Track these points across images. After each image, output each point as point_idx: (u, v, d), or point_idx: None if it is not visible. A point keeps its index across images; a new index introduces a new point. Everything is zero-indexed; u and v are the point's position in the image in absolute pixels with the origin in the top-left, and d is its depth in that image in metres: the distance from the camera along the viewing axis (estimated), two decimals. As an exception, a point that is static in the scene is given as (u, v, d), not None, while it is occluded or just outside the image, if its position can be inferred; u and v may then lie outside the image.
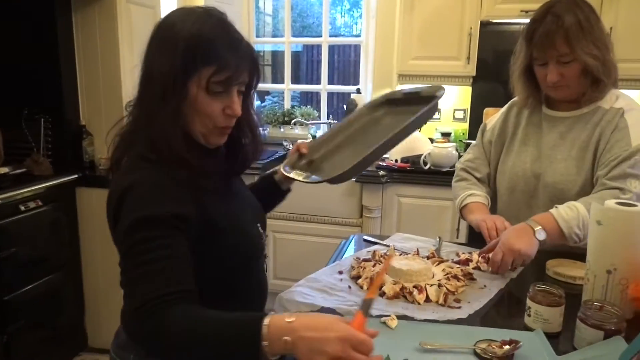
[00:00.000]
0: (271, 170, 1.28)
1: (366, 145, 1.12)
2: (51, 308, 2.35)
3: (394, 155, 2.69)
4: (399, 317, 1.00)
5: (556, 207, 1.24)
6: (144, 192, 0.85)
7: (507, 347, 0.87)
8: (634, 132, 1.26)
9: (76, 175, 2.45)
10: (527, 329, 0.98)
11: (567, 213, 1.21)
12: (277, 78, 3.90)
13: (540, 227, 1.21)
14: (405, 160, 2.63)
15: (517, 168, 1.43)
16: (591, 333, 0.88)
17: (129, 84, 2.55)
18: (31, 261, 2.20)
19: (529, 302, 0.98)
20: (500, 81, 2.79)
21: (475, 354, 0.88)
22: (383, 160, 2.71)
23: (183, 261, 0.83)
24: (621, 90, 1.37)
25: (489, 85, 2.89)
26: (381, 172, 2.53)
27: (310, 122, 3.29)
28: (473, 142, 1.64)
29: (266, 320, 0.71)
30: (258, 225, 1.07)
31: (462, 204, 1.48)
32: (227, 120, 0.92)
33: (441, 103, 3.12)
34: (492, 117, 1.58)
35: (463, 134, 3.03)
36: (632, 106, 1.32)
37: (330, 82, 3.64)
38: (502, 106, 1.57)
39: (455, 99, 3.13)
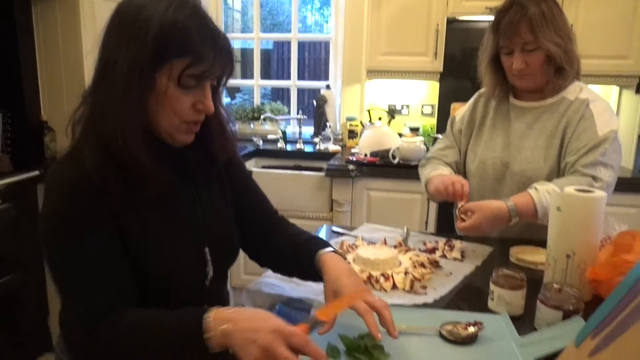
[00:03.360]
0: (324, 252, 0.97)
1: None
2: (12, 309, 2.27)
3: (363, 149, 2.70)
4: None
5: (536, 189, 1.28)
6: (62, 191, 0.80)
7: (471, 328, 0.89)
8: (600, 121, 1.32)
9: (37, 172, 2.37)
10: (491, 312, 1.00)
11: (547, 198, 1.25)
12: (247, 75, 3.88)
13: (518, 217, 1.25)
14: (374, 154, 2.65)
15: (486, 156, 1.47)
16: (551, 314, 0.90)
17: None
18: (-10, 260, 2.13)
19: (492, 286, 1.00)
20: (467, 77, 2.84)
21: (441, 335, 0.89)
22: (352, 154, 2.73)
23: (113, 264, 0.81)
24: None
25: (456, 81, 2.94)
26: (350, 167, 2.54)
27: (280, 117, 3.27)
28: (441, 136, 1.66)
29: (208, 313, 0.73)
30: (206, 250, 0.92)
31: (428, 177, 1.46)
32: (196, 115, 0.84)
33: (409, 98, 3.18)
34: (460, 109, 1.61)
35: (431, 128, 3.08)
36: (595, 97, 1.38)
37: (301, 78, 3.64)
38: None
39: (424, 95, 3.17)
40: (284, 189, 2.58)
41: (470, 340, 0.87)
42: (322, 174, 2.60)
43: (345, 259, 1.00)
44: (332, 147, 3.02)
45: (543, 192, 1.26)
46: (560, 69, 1.35)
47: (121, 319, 0.78)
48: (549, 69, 1.35)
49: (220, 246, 0.96)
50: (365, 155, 2.67)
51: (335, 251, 0.96)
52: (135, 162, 0.80)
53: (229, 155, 0.99)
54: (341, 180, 2.57)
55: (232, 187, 1.03)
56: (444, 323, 0.92)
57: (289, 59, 3.45)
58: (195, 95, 0.83)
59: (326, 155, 2.89)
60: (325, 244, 0.98)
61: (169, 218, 0.89)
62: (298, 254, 0.99)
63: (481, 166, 1.48)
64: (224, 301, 1.01)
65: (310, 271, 0.95)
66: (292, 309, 1.02)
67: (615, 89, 2.92)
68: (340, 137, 3.17)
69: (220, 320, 0.72)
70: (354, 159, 2.63)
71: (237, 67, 4.84)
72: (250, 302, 1.08)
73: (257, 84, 3.55)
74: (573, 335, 0.81)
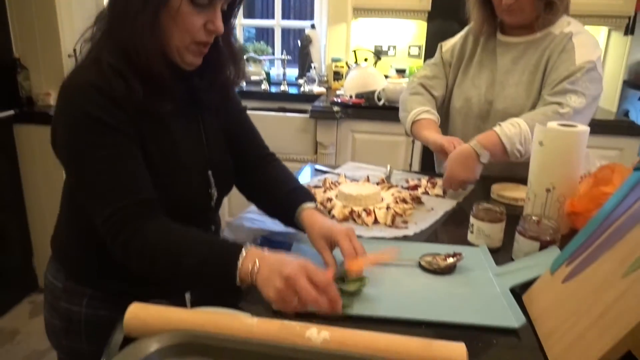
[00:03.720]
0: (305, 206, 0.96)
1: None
2: (-5, 250, 2.27)
3: (348, 91, 2.66)
4: (348, 237, 1.02)
5: (499, 124, 1.27)
6: (84, 92, 0.79)
7: (450, 259, 0.90)
8: (580, 52, 1.28)
9: (12, 112, 2.30)
10: (470, 245, 1.01)
11: (510, 130, 1.24)
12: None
13: (484, 151, 1.24)
14: (359, 96, 2.61)
15: (472, 93, 1.45)
16: (528, 244, 0.92)
17: (65, 14, 2.37)
18: (-32, 202, 2.10)
19: (472, 220, 1.01)
20: (456, 18, 2.76)
21: (420, 266, 0.90)
22: (337, 96, 2.68)
23: (140, 170, 0.82)
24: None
25: (445, 22, 2.86)
26: (335, 108, 2.50)
27: (264, 57, 3.18)
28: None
29: (245, 248, 0.77)
30: (210, 172, 0.96)
31: (417, 118, 1.43)
32: (206, 36, 0.85)
33: (397, 39, 3.10)
34: (451, 39, 1.57)
35: (418, 70, 3.02)
36: (580, 30, 1.34)
37: (286, 18, 3.51)
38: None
39: (411, 36, 3.09)
40: (268, 131, 2.50)
41: (448, 270, 0.89)
42: (306, 115, 2.56)
43: (326, 215, 1.01)
44: (316, 88, 2.97)
45: (506, 125, 1.26)
46: (550, 3, 1.30)
47: (154, 224, 0.80)
48: (539, 4, 1.31)
49: (221, 172, 0.99)
50: (351, 96, 2.63)
51: (316, 207, 0.96)
52: (153, 72, 0.82)
53: (238, 83, 1.00)
54: (326, 122, 2.54)
55: (227, 119, 1.03)
56: (423, 254, 0.93)
57: (273, -3, 3.32)
58: (207, 15, 0.83)
59: (311, 97, 2.84)
60: (309, 197, 0.98)
61: (178, 138, 0.90)
62: (281, 203, 1.00)
63: (466, 104, 1.46)
64: (218, 229, 1.05)
65: (292, 222, 0.97)
66: (273, 243, 1.02)
67: (604, 30, 2.87)
68: (325, 78, 3.11)
69: (253, 254, 0.76)
70: (339, 101, 2.58)
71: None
72: (232, 236, 1.08)
73: (239, 24, 3.43)
74: (548, 264, 0.83)
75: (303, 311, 0.73)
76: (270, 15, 3.37)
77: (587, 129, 1.04)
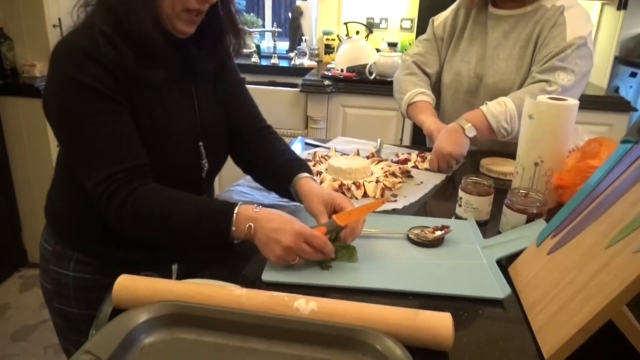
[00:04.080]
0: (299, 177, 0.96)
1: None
2: (-17, 225, 2.25)
3: (339, 64, 2.63)
4: (338, 210, 1.02)
5: (486, 103, 1.27)
6: (73, 58, 0.79)
7: (438, 232, 0.91)
8: (571, 28, 1.27)
9: (-3, 83, 2.25)
10: (459, 218, 1.02)
11: (496, 108, 1.24)
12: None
13: (469, 124, 1.24)
14: (350, 69, 2.58)
15: (461, 67, 1.44)
16: (515, 217, 0.93)
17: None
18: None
19: (460, 193, 1.02)
20: (448, -11, 2.73)
21: (409, 238, 0.91)
22: (328, 70, 2.66)
23: (132, 136, 0.82)
24: None
25: (437, -7, 2.82)
26: (326, 82, 2.48)
27: (254, 30, 3.13)
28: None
29: (236, 209, 0.79)
30: (200, 144, 0.95)
31: (412, 100, 1.43)
32: (199, 4, 0.83)
33: (389, 12, 3.05)
34: (441, 13, 1.54)
35: (410, 44, 3.00)
36: (572, 4, 1.32)
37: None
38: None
39: (404, 9, 3.05)
40: (258, 105, 2.51)
41: (436, 242, 0.90)
42: (297, 89, 2.54)
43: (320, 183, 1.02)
44: (307, 62, 2.93)
45: (493, 104, 1.26)
46: None
47: (146, 188, 0.81)
48: None
49: (213, 143, 0.98)
50: (342, 70, 2.61)
51: (312, 178, 0.97)
52: (145, 40, 0.80)
53: (238, 54, 0.99)
54: (316, 96, 2.51)
55: (225, 90, 1.02)
56: (412, 227, 0.93)
57: (263, -34, 3.25)
58: None
59: (302, 71, 2.81)
60: (305, 168, 0.98)
61: (169, 107, 0.89)
62: (278, 174, 1.00)
63: (456, 78, 1.45)
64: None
65: (288, 193, 0.98)
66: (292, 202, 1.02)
67: (597, 5, 2.85)
68: (317, 52, 3.07)
69: (245, 217, 0.79)
70: (330, 75, 2.56)
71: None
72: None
73: (229, -6, 3.35)
74: (535, 237, 0.84)
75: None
76: (260, -14, 3.31)
77: (577, 102, 1.04)
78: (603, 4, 2.83)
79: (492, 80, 1.37)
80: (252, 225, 0.78)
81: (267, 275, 0.78)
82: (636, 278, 0.57)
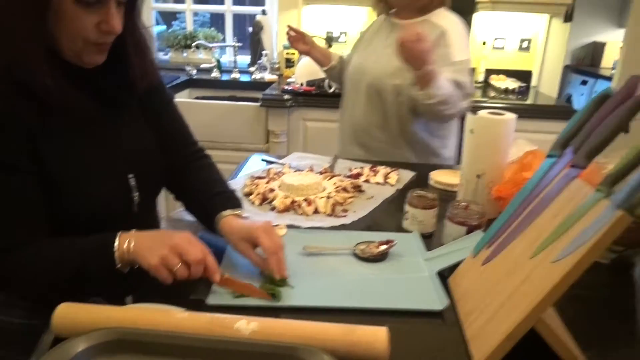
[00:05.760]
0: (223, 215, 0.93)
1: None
2: None
3: (299, 78, 2.66)
4: (288, 227, 1.04)
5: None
6: None
7: (382, 246, 0.94)
8: (449, 51, 1.44)
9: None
10: (406, 231, 1.06)
11: (445, 84, 1.38)
12: (180, -1, 3.61)
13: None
14: (310, 83, 2.61)
15: (355, 65, 1.62)
16: (456, 229, 0.97)
17: None
18: None
19: (406, 207, 1.05)
20: (403, 3, 2.80)
21: (354, 254, 0.94)
22: (289, 84, 2.68)
23: (23, 198, 0.79)
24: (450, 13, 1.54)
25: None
26: (286, 97, 2.51)
27: (213, 44, 3.13)
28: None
29: (116, 234, 0.79)
30: (130, 176, 0.90)
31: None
32: (102, 37, 0.78)
33: (348, 26, 3.11)
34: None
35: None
36: (453, 27, 1.47)
37: (239, 3, 3.46)
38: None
39: (363, 22, 3.11)
40: (219, 121, 2.52)
41: (381, 257, 0.92)
42: (257, 104, 2.55)
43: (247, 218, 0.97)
44: (268, 76, 2.95)
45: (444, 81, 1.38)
46: None
47: (31, 248, 0.79)
48: None
49: (146, 172, 0.94)
50: (302, 84, 2.64)
51: (238, 214, 0.93)
52: (37, 85, 0.75)
53: (149, 82, 0.93)
54: (277, 110, 2.53)
55: (154, 113, 0.99)
56: (358, 243, 0.96)
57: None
58: (99, 14, 0.77)
59: (262, 85, 2.82)
60: (231, 203, 0.95)
61: (91, 144, 0.86)
62: (204, 207, 0.96)
63: (349, 74, 1.64)
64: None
65: (212, 228, 0.94)
66: (213, 236, 1.03)
67: (546, 17, 2.97)
68: (277, 65, 3.10)
69: (125, 237, 0.78)
70: (290, 89, 2.58)
71: (169, -9, 4.50)
72: (176, 228, 1.08)
73: (189, 9, 3.35)
74: (472, 247, 0.88)
75: (184, 278, 0.77)
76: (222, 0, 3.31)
77: (514, 116, 1.09)
78: (551, 17, 2.95)
79: (372, 78, 1.54)
80: (133, 238, 0.78)
81: (213, 299, 0.79)
82: (552, 288, 0.61)
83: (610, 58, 3.76)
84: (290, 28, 1.70)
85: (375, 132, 1.58)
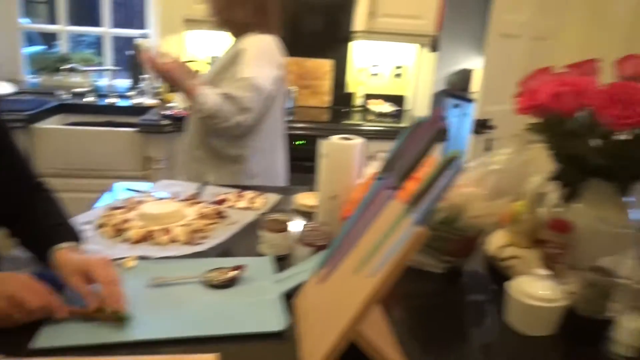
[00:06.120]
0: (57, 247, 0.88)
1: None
2: None
3: (182, 103, 2.62)
4: (140, 258, 1.01)
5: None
6: None
7: (231, 272, 0.94)
8: (240, 68, 1.55)
9: None
10: (261, 255, 1.07)
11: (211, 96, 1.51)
12: (55, 19, 3.39)
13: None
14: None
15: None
16: (305, 251, 1.00)
17: None
18: None
19: (261, 231, 1.07)
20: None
21: (202, 282, 0.93)
22: (169, 109, 2.63)
23: None
24: (263, 36, 1.64)
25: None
26: (165, 122, 2.45)
27: (88, 68, 2.98)
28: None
29: None
30: None
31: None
32: None
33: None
34: None
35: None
36: (251, 47, 1.59)
37: (119, 25, 3.33)
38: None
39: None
40: (93, 147, 2.39)
41: (230, 283, 0.93)
42: (134, 129, 2.47)
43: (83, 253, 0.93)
44: (149, 101, 2.87)
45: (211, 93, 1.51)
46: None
47: None
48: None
49: None
50: (184, 109, 2.59)
51: (74, 247, 0.90)
52: None
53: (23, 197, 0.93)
54: (156, 136, 2.46)
55: None
56: (210, 270, 0.96)
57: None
58: None
59: (142, 110, 2.73)
60: (67, 236, 0.91)
61: None
62: (39, 241, 0.91)
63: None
64: None
65: (47, 261, 0.88)
66: (46, 277, 0.96)
67: (416, 46, 3.22)
68: (159, 90, 3.02)
69: None
70: (171, 114, 2.53)
71: (42, 9, 4.23)
72: (13, 267, 1.00)
73: (63, 30, 3.18)
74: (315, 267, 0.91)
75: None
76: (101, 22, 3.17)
77: (362, 140, 1.17)
78: (421, 46, 3.20)
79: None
80: None
81: (40, 342, 0.74)
82: (364, 301, 0.66)
83: (477, 83, 4.15)
84: (143, 50, 1.65)
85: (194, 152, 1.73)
